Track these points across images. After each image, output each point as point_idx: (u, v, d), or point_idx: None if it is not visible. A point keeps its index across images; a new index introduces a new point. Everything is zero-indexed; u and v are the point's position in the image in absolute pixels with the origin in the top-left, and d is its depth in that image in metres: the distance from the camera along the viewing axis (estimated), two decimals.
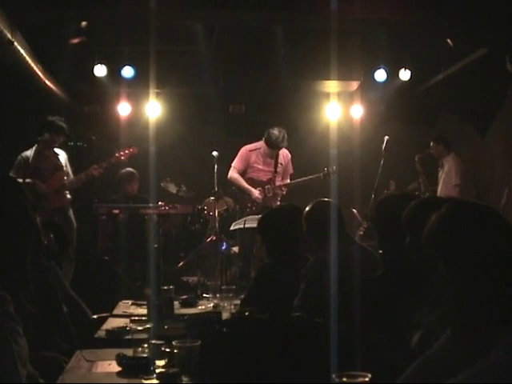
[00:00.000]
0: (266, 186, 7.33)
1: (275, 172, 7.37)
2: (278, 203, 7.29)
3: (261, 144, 7.34)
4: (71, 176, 7.12)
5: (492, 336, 1.56)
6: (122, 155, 7.32)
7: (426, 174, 8.17)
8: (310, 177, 7.44)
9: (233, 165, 7.38)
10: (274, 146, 7.23)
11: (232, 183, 7.47)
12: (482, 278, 1.68)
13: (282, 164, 7.41)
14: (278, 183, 7.38)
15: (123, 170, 7.98)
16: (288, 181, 7.49)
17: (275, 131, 7.18)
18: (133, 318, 3.72)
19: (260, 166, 7.36)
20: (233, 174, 7.36)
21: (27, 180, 6.54)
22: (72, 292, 4.37)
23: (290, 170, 7.53)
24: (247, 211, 7.22)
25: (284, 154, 7.43)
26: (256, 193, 7.28)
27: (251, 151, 7.38)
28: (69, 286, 4.37)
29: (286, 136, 7.20)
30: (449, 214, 1.78)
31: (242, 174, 7.36)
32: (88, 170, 7.04)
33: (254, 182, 7.33)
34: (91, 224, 8.02)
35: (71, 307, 3.94)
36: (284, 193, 7.45)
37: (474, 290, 1.69)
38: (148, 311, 3.77)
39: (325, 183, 7.32)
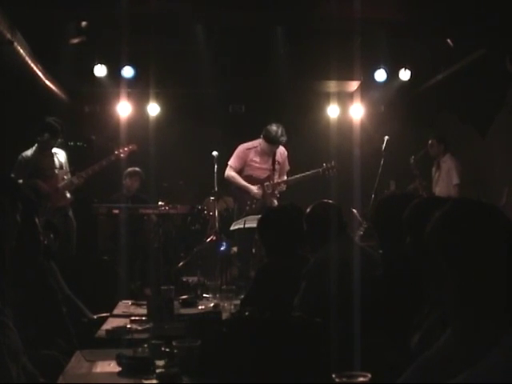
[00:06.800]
0: (265, 183, 7.32)
1: (273, 170, 7.37)
2: (276, 201, 7.31)
3: (258, 142, 7.33)
4: (69, 176, 7.13)
5: (492, 335, 1.56)
6: (121, 153, 7.34)
7: (422, 175, 8.17)
8: (309, 172, 7.42)
9: (229, 163, 7.36)
10: (273, 142, 7.21)
11: (229, 181, 7.44)
12: (483, 276, 1.68)
13: (279, 162, 7.41)
14: (275, 181, 7.38)
15: (130, 168, 8.02)
16: (285, 178, 7.49)
17: (273, 127, 7.17)
18: (133, 317, 3.73)
19: (257, 164, 7.35)
20: (230, 172, 7.34)
21: (29, 180, 6.55)
22: (69, 292, 4.37)
23: (287, 167, 7.53)
24: (246, 209, 7.20)
25: (281, 151, 7.43)
26: (255, 189, 7.26)
27: (248, 149, 7.37)
28: (66, 286, 4.38)
29: (284, 131, 7.19)
30: (452, 211, 1.78)
31: (239, 172, 7.35)
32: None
33: (251, 180, 7.32)
34: (91, 224, 8.02)
35: (69, 307, 3.95)
36: (284, 189, 7.45)
37: (475, 288, 1.69)
38: (148, 311, 3.78)
39: (324, 183, 7.32)
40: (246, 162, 7.34)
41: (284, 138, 7.21)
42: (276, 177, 7.40)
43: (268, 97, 8.88)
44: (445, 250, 1.74)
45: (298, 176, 7.46)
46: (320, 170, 7.39)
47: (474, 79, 7.67)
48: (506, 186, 7.62)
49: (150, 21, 6.89)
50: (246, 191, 7.29)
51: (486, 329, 1.64)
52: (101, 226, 8.21)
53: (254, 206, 7.22)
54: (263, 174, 7.35)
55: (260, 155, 7.34)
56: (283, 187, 7.44)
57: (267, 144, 7.23)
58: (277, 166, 7.39)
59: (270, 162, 7.37)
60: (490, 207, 1.79)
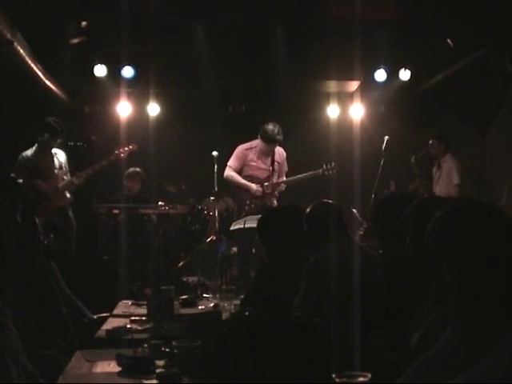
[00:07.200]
0: (265, 183, 7.33)
1: (272, 170, 7.37)
2: (275, 201, 7.31)
3: (256, 142, 7.34)
4: (69, 176, 7.14)
5: (492, 335, 1.56)
6: (121, 152, 7.34)
7: (422, 175, 8.17)
8: (309, 173, 7.43)
9: (229, 164, 7.36)
10: (270, 141, 7.21)
11: (228, 182, 7.44)
12: (483, 276, 1.68)
13: (278, 162, 7.41)
14: (274, 181, 7.38)
15: (130, 169, 8.02)
16: (284, 179, 7.49)
17: (270, 126, 7.18)
18: (133, 317, 3.73)
19: (257, 164, 7.35)
20: (229, 172, 7.34)
21: (29, 180, 6.55)
22: (69, 292, 4.37)
23: (286, 168, 7.53)
24: (246, 209, 7.20)
25: (280, 152, 7.44)
26: (254, 187, 7.27)
27: (247, 150, 7.37)
28: (66, 286, 4.38)
29: (280, 130, 7.19)
30: (452, 211, 1.78)
31: (239, 172, 7.36)
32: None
33: (251, 180, 7.32)
34: (91, 224, 8.02)
35: (69, 307, 3.95)
36: (283, 189, 7.45)
37: (476, 287, 1.69)
38: (148, 311, 3.78)
39: (324, 183, 7.32)
40: (245, 162, 7.35)
41: (280, 137, 7.21)
42: (275, 177, 7.41)
43: (268, 97, 8.88)
44: (445, 250, 1.75)
45: (297, 177, 7.47)
46: (320, 170, 7.40)
47: (474, 79, 7.67)
48: (506, 186, 7.63)
49: (149, 21, 6.88)
50: (246, 190, 7.29)
51: (486, 329, 1.64)
52: (101, 226, 8.22)
53: (253, 205, 7.22)
54: (262, 175, 7.36)
55: (259, 155, 7.35)
56: (283, 187, 7.45)
57: (264, 143, 7.24)
58: (276, 167, 7.40)
59: (269, 162, 7.38)
60: (490, 207, 1.79)
